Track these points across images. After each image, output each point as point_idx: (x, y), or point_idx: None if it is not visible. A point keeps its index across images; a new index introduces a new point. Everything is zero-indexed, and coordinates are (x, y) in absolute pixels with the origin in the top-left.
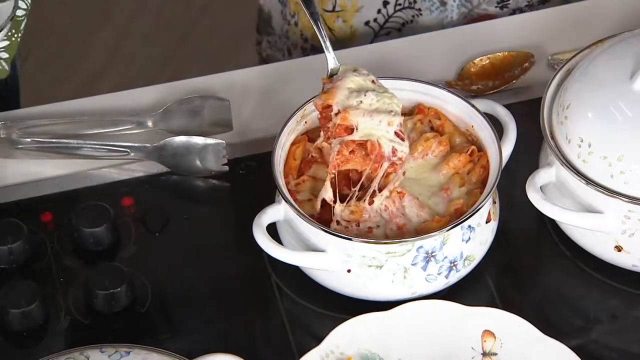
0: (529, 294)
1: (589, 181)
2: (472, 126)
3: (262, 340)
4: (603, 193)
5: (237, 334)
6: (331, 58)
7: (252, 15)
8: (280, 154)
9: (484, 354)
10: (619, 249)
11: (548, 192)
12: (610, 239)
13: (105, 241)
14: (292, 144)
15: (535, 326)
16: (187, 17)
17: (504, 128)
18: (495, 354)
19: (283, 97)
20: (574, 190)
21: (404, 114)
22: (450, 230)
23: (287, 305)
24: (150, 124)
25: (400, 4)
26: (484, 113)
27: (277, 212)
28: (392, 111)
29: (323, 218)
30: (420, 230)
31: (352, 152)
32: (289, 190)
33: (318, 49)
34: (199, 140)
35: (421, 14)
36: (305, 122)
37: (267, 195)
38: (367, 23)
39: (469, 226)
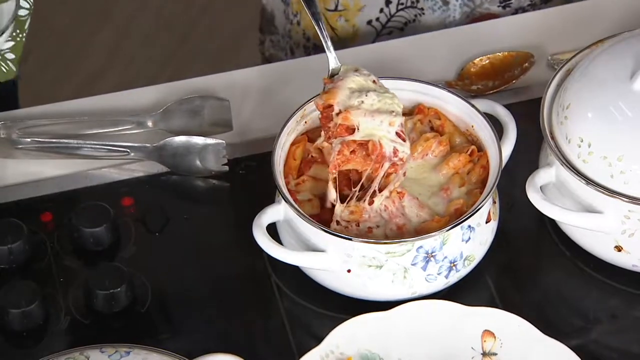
0: (528, 294)
1: (589, 181)
2: (472, 126)
3: (262, 340)
4: (603, 193)
5: (237, 334)
6: (332, 58)
7: (252, 15)
8: (280, 154)
9: (484, 354)
10: (618, 249)
11: (548, 192)
12: (610, 239)
13: (105, 241)
14: (292, 144)
15: (535, 326)
16: (187, 17)
17: (504, 128)
18: (495, 354)
19: (283, 97)
20: (573, 190)
21: (404, 114)
22: (450, 230)
23: (287, 305)
24: (150, 124)
25: (402, 3)
26: (484, 113)
27: (277, 212)
28: (393, 111)
29: (323, 218)
30: (420, 230)
31: (352, 152)
32: (289, 190)
33: (320, 48)
34: (199, 140)
35: (423, 14)
36: (305, 122)
37: (267, 195)
38: (369, 22)
39: (469, 226)
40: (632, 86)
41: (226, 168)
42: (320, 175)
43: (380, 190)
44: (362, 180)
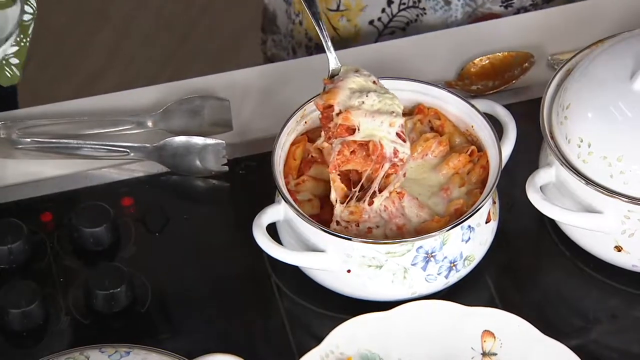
0: (528, 294)
1: (588, 181)
2: (472, 126)
3: (262, 340)
4: (603, 193)
5: (237, 334)
6: (332, 58)
7: (252, 15)
8: (280, 154)
9: (484, 354)
10: (618, 249)
11: (548, 192)
12: (610, 239)
13: (105, 241)
14: (292, 144)
15: (535, 326)
16: (187, 17)
17: (504, 128)
18: (495, 354)
19: (283, 97)
20: (573, 190)
21: (403, 114)
22: (450, 231)
23: (287, 305)
24: (150, 124)
25: (404, 3)
26: (484, 113)
27: (277, 212)
28: (393, 112)
29: (323, 218)
30: (420, 231)
31: (352, 152)
32: (288, 190)
33: (322, 48)
34: (198, 140)
35: (425, 13)
36: (305, 122)
37: (267, 195)
38: (371, 22)
39: (469, 226)
40: (632, 86)
41: (226, 168)
42: (320, 175)
43: (380, 190)
44: (362, 181)
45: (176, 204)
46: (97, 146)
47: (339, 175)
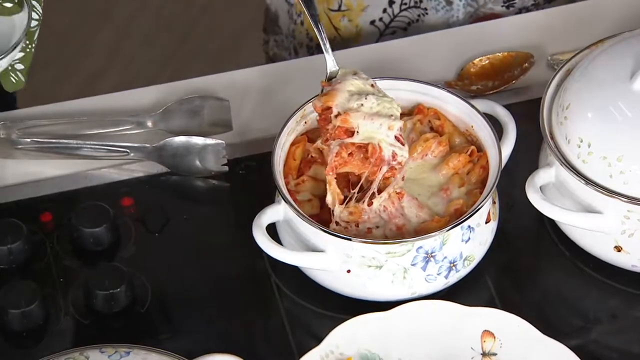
0: (528, 294)
1: (588, 181)
2: (472, 126)
3: (262, 340)
4: (602, 193)
5: (237, 334)
6: (330, 60)
7: (252, 15)
8: (280, 154)
9: (484, 354)
10: (618, 249)
11: (548, 193)
12: (610, 239)
13: (105, 241)
14: (292, 144)
15: (535, 326)
16: (187, 17)
17: (504, 128)
18: (494, 354)
19: (283, 97)
20: (573, 190)
21: (403, 114)
22: (450, 231)
23: (287, 305)
24: (150, 124)
25: (405, 3)
26: (484, 113)
27: (277, 212)
28: (392, 115)
29: (323, 218)
30: (420, 231)
31: (350, 154)
32: (288, 190)
33: None
34: (198, 140)
35: (427, 14)
36: (305, 123)
37: (267, 195)
38: (372, 22)
39: (469, 226)
40: (632, 86)
41: (226, 168)
42: (320, 175)
43: (379, 192)
44: (361, 182)
45: (176, 204)
46: (97, 146)
47: (335, 178)
